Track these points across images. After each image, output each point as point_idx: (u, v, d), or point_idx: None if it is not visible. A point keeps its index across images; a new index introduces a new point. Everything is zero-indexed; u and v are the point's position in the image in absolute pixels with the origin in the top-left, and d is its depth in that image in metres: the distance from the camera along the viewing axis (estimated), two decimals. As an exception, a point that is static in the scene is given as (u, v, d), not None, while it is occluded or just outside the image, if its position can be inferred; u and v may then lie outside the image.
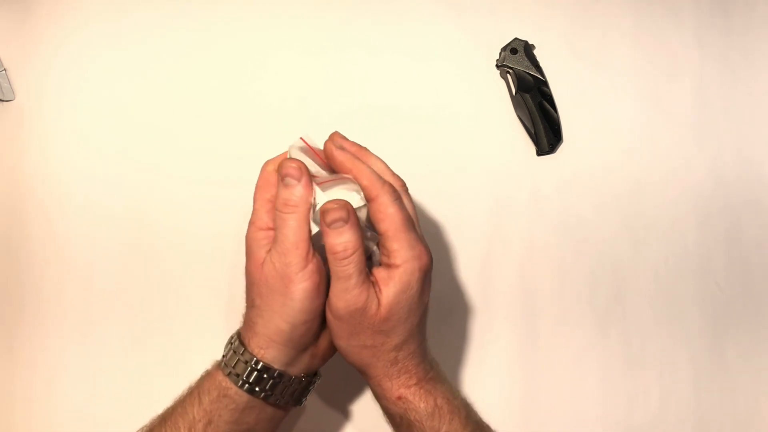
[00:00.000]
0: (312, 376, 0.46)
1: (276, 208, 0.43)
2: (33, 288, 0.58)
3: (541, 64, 0.61)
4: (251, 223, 0.45)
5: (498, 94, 0.61)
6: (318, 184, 0.43)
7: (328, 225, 0.41)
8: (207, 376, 0.45)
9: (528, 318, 0.58)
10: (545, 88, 0.60)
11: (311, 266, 0.42)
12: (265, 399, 0.44)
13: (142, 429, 0.46)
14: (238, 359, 0.43)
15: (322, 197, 0.43)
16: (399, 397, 0.44)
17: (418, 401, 0.44)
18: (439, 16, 0.62)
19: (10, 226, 0.58)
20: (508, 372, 0.58)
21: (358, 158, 0.44)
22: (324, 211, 0.41)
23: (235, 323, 0.47)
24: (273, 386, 0.44)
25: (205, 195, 0.59)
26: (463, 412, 0.45)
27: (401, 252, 0.42)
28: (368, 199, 0.43)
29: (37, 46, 0.60)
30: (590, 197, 0.60)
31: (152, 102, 0.60)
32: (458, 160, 0.60)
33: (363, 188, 0.43)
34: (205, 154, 0.60)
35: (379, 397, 0.45)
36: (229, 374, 0.44)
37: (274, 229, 0.43)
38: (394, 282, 0.42)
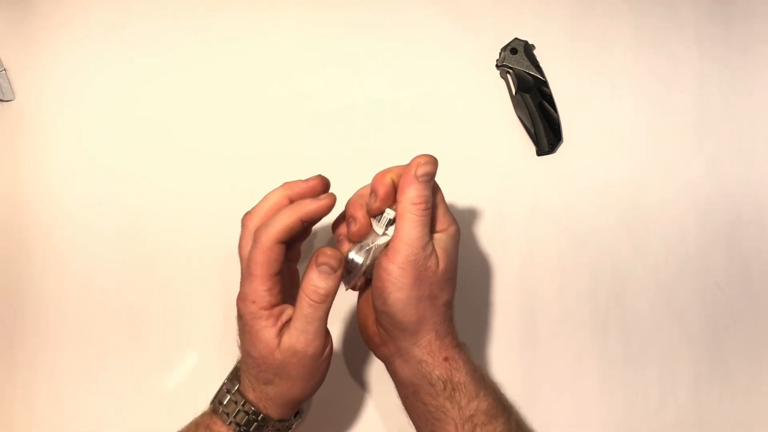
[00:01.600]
0: (299, 412, 0.49)
1: (304, 291, 0.42)
2: (33, 288, 0.58)
3: (541, 64, 0.61)
4: (249, 300, 0.43)
5: (498, 94, 0.61)
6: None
7: (317, 266, 0.42)
8: (206, 427, 0.45)
9: (528, 318, 0.58)
10: (545, 88, 0.60)
11: (329, 348, 0.44)
12: None
13: None
14: (238, 408, 0.44)
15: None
16: (446, 358, 0.45)
17: (463, 363, 0.45)
18: (440, 16, 0.62)
19: (10, 226, 0.58)
20: (508, 372, 0.58)
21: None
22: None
23: (231, 328, 0.46)
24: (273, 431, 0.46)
25: (205, 193, 0.59)
26: (491, 381, 0.47)
27: (449, 214, 0.46)
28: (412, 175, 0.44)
29: (37, 46, 0.61)
30: (590, 197, 0.60)
31: (152, 101, 0.60)
32: (458, 160, 0.60)
33: (402, 171, 0.45)
34: (205, 152, 0.60)
35: (420, 364, 0.45)
36: (229, 422, 0.44)
37: (276, 305, 0.43)
38: (447, 239, 0.45)
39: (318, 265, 0.42)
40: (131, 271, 0.58)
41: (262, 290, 0.42)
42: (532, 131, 0.60)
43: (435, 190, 0.46)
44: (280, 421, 0.46)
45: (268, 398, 0.44)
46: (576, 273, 0.59)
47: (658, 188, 0.60)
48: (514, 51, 0.60)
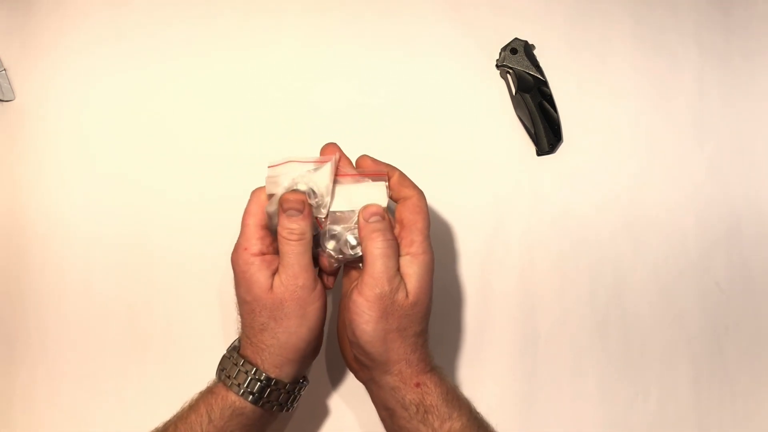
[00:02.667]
0: (305, 379, 0.50)
1: (281, 235, 0.45)
2: (33, 288, 0.57)
3: (541, 64, 0.61)
4: (242, 248, 0.46)
5: (498, 94, 0.61)
6: (341, 176, 0.47)
7: (284, 211, 0.45)
8: (213, 395, 0.46)
9: (528, 318, 0.58)
10: (545, 88, 0.60)
11: (319, 287, 0.46)
12: (279, 410, 0.47)
13: None
14: (251, 379, 0.45)
15: (343, 191, 0.47)
16: (418, 384, 0.45)
17: (434, 386, 0.46)
18: (440, 15, 0.62)
19: (10, 226, 0.58)
20: (508, 372, 0.58)
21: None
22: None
23: (230, 329, 0.46)
24: (286, 398, 0.47)
25: (205, 194, 0.59)
26: (465, 401, 0.47)
27: (425, 243, 0.46)
28: (406, 196, 0.47)
29: (37, 46, 0.60)
30: (590, 197, 0.60)
31: (152, 101, 0.60)
32: (458, 160, 0.60)
33: (402, 186, 0.47)
34: (205, 152, 0.60)
35: (393, 390, 0.46)
36: (242, 393, 0.45)
37: (267, 254, 0.46)
38: (419, 269, 0.45)
39: (285, 211, 0.45)
40: (131, 272, 0.58)
41: (253, 238, 0.46)
42: (532, 131, 0.60)
43: (424, 213, 0.47)
44: (282, 383, 0.46)
45: (265, 351, 0.45)
46: (576, 273, 0.59)
47: (658, 188, 0.60)
48: (514, 51, 0.60)
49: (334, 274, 0.49)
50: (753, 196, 0.61)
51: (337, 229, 0.47)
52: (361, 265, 0.46)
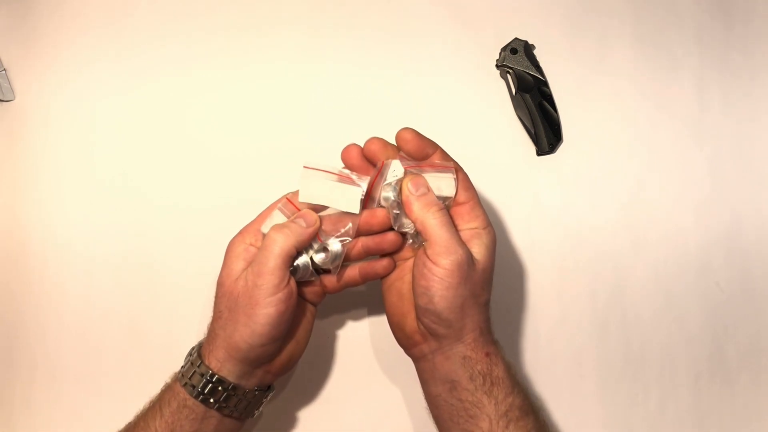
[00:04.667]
0: (265, 390, 0.48)
1: (270, 232, 0.44)
2: (33, 288, 0.58)
3: (541, 64, 0.61)
4: (240, 232, 0.47)
5: (498, 94, 0.61)
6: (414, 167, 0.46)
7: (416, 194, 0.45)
8: (167, 388, 0.47)
9: (528, 318, 0.58)
10: (545, 88, 0.60)
11: (281, 295, 0.44)
12: (219, 410, 0.45)
13: None
14: (195, 371, 0.45)
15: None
16: (487, 353, 0.46)
17: (500, 359, 0.46)
18: (439, 16, 0.62)
19: (10, 226, 0.58)
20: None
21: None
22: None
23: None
24: (227, 398, 0.45)
25: (205, 194, 0.59)
26: (521, 379, 0.48)
27: (484, 216, 0.47)
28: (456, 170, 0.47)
29: (37, 46, 0.61)
30: (590, 197, 0.60)
31: (153, 102, 0.60)
32: (458, 160, 0.60)
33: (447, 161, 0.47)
34: (205, 150, 0.60)
35: (464, 360, 0.45)
36: (185, 385, 0.45)
37: (255, 246, 0.45)
38: (484, 240, 0.46)
39: (296, 218, 0.45)
40: (132, 272, 0.58)
41: (254, 229, 0.46)
42: (532, 131, 0.60)
43: (473, 188, 0.47)
44: (225, 382, 0.45)
45: (215, 342, 0.45)
46: (576, 273, 0.59)
47: (658, 188, 0.60)
48: (514, 51, 0.60)
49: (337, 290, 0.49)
50: (753, 196, 0.61)
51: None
52: (413, 240, 0.46)
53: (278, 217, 0.46)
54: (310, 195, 0.45)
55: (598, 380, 0.58)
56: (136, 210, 0.59)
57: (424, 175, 0.46)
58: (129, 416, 0.48)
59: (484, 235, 0.46)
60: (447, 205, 0.46)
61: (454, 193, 0.46)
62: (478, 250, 0.46)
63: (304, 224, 0.45)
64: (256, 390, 0.47)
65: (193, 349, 0.47)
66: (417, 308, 0.46)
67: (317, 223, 0.45)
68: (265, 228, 0.45)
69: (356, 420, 0.56)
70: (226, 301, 0.45)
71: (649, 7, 0.63)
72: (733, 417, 0.58)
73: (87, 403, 0.56)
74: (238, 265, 0.45)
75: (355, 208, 0.45)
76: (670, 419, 0.58)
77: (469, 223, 0.47)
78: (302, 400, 0.57)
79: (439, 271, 0.44)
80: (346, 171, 0.46)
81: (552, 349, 0.58)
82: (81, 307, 0.57)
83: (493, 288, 0.58)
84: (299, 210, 0.46)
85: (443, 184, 0.46)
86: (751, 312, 0.59)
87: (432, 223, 0.44)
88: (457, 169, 0.48)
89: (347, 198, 0.45)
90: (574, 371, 0.58)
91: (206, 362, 0.45)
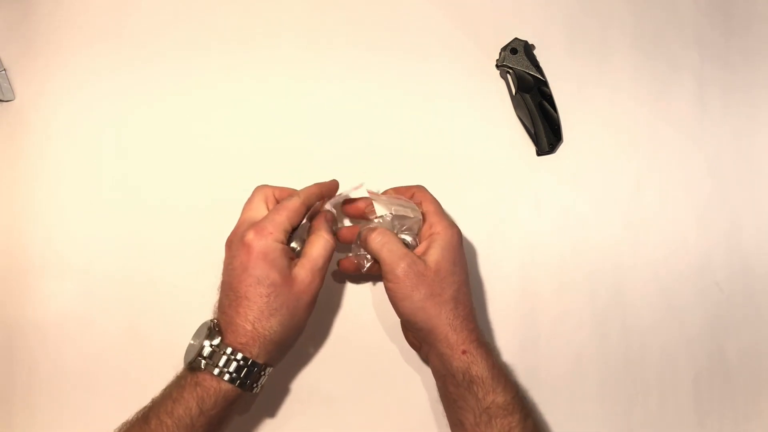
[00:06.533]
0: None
1: (317, 233, 0.50)
2: (33, 288, 0.58)
3: (541, 64, 0.61)
4: (267, 231, 0.48)
5: (498, 94, 0.61)
6: (378, 197, 0.53)
7: (326, 221, 0.52)
8: (200, 387, 0.46)
9: (528, 318, 0.58)
10: (545, 88, 0.60)
11: (316, 292, 0.50)
12: (249, 390, 0.48)
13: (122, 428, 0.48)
14: (228, 358, 0.47)
15: (381, 210, 0.53)
16: (464, 351, 0.48)
17: (481, 357, 0.48)
18: (439, 16, 0.62)
19: (9, 225, 0.58)
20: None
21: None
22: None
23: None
24: (257, 378, 0.48)
25: (205, 193, 0.59)
26: (513, 381, 0.50)
27: (442, 222, 0.51)
28: (412, 192, 0.53)
29: (37, 46, 0.61)
30: (590, 197, 0.60)
31: (153, 100, 0.60)
32: (458, 161, 0.60)
33: (402, 190, 0.53)
34: (204, 146, 0.60)
35: (442, 356, 0.49)
36: (219, 374, 0.46)
37: (284, 243, 0.49)
38: (438, 242, 0.50)
39: (327, 221, 0.52)
40: (132, 271, 0.58)
41: (281, 228, 0.48)
42: (532, 131, 0.60)
43: (429, 199, 0.52)
44: (260, 366, 0.47)
45: (263, 336, 0.47)
46: (576, 273, 0.59)
47: (658, 188, 0.60)
48: (514, 51, 0.60)
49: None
50: (753, 196, 0.61)
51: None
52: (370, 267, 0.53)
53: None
54: (395, 209, 0.53)
55: (598, 380, 0.58)
56: (136, 210, 0.59)
57: (385, 199, 0.52)
58: (129, 416, 0.48)
59: (439, 237, 0.50)
60: (418, 220, 0.52)
61: (420, 212, 0.52)
62: (433, 252, 0.50)
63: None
64: (271, 366, 0.50)
65: (207, 338, 0.47)
66: (400, 319, 0.52)
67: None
68: (321, 227, 0.51)
69: (356, 420, 0.56)
70: (284, 299, 0.47)
71: (649, 7, 0.63)
72: (733, 417, 0.58)
73: (87, 403, 0.56)
74: (284, 264, 0.48)
75: (418, 213, 0.52)
76: (670, 419, 0.58)
77: (427, 232, 0.51)
78: (302, 400, 0.57)
79: (391, 285, 0.49)
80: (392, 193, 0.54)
81: (552, 349, 0.58)
82: (81, 307, 0.57)
83: (492, 288, 0.58)
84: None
85: (408, 208, 0.52)
86: (751, 312, 0.59)
87: (374, 250, 0.50)
88: (419, 187, 0.53)
89: (413, 207, 0.52)
90: (574, 371, 0.58)
91: (237, 348, 0.47)
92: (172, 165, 0.59)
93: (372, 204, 0.54)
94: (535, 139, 0.60)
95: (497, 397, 0.47)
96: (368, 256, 0.53)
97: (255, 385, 0.48)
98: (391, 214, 0.53)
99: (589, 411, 0.57)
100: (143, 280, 0.58)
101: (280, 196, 0.52)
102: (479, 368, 0.48)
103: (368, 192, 0.53)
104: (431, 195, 0.53)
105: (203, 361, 0.47)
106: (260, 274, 0.47)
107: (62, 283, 0.58)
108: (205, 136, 0.60)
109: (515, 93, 0.60)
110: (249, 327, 0.47)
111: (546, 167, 0.60)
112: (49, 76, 0.60)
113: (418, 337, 0.52)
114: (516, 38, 0.60)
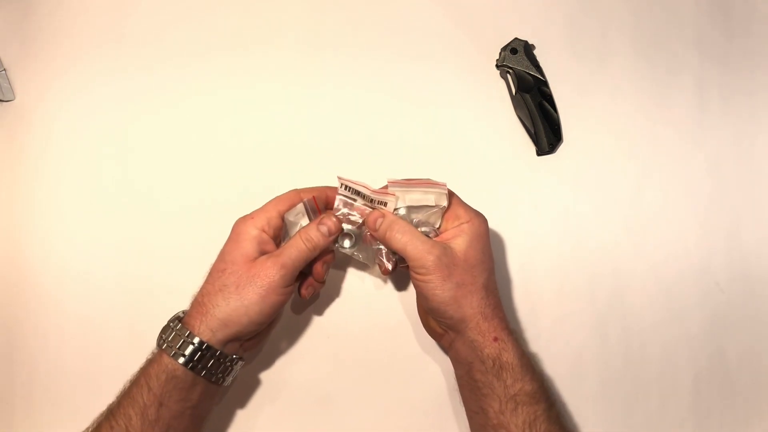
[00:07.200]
0: (240, 358, 0.51)
1: (300, 234, 0.50)
2: (33, 288, 0.58)
3: (541, 64, 0.61)
4: (251, 217, 0.50)
5: (498, 94, 0.61)
6: (399, 185, 0.51)
7: (318, 224, 0.51)
8: (151, 363, 0.48)
9: (528, 318, 0.58)
10: (545, 88, 0.60)
11: (290, 288, 0.50)
12: (206, 377, 0.48)
13: (87, 429, 0.48)
14: (184, 341, 0.47)
15: (393, 204, 0.51)
16: (496, 338, 0.49)
17: (512, 345, 0.49)
18: (439, 16, 0.62)
19: (9, 225, 0.58)
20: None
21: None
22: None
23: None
24: (214, 365, 0.48)
25: (205, 192, 0.59)
26: (539, 372, 0.50)
27: (467, 213, 0.51)
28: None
29: (37, 46, 0.61)
30: (590, 197, 0.60)
31: (153, 101, 0.60)
32: (458, 160, 0.60)
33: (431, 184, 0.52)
34: (204, 147, 0.60)
35: (473, 343, 0.49)
36: (173, 355, 0.47)
37: (266, 234, 0.50)
38: (466, 232, 0.50)
39: (319, 224, 0.50)
40: (132, 270, 0.58)
41: (266, 217, 0.50)
42: (532, 131, 0.60)
43: (452, 195, 0.52)
44: (213, 349, 0.48)
45: (208, 314, 0.48)
46: (576, 273, 0.59)
47: (658, 188, 0.60)
48: (514, 51, 0.60)
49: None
50: (753, 197, 0.61)
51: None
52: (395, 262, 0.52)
53: (302, 212, 0.51)
54: (410, 200, 0.51)
55: (598, 380, 0.58)
56: (136, 210, 0.59)
57: (413, 190, 0.51)
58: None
59: (466, 227, 0.50)
60: (441, 209, 0.51)
61: (445, 203, 0.51)
62: (460, 242, 0.49)
63: (326, 232, 0.50)
64: (234, 357, 0.50)
65: (172, 322, 0.49)
66: (427, 310, 0.52)
67: (337, 233, 0.51)
68: (291, 216, 0.51)
69: (357, 420, 0.56)
70: (236, 278, 0.48)
71: (649, 7, 0.63)
72: (733, 417, 0.58)
73: (87, 403, 0.56)
74: (252, 247, 0.49)
75: (445, 201, 0.51)
76: (670, 419, 0.58)
77: (454, 222, 0.51)
78: (302, 399, 0.57)
79: (421, 278, 0.49)
80: (425, 180, 0.52)
81: (552, 349, 0.58)
82: (81, 307, 0.57)
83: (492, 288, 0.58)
84: (319, 210, 0.52)
85: (434, 196, 0.51)
86: (751, 312, 0.59)
87: (397, 246, 0.50)
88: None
89: (438, 193, 0.51)
90: (574, 371, 0.58)
91: (195, 332, 0.47)
92: (172, 165, 0.59)
93: (346, 201, 0.52)
94: (535, 139, 0.60)
95: (525, 385, 0.48)
96: (388, 255, 0.52)
97: (198, 364, 0.47)
98: (406, 207, 0.51)
99: (589, 411, 0.57)
100: (143, 280, 0.58)
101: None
102: (510, 355, 0.48)
103: (389, 181, 0.51)
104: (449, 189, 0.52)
105: (160, 338, 0.49)
106: (224, 251, 0.50)
107: (62, 284, 0.58)
108: (205, 137, 0.60)
109: (515, 93, 0.61)
110: (200, 299, 0.49)
111: (546, 167, 0.60)
112: (49, 76, 0.60)
113: (445, 325, 0.51)
114: (516, 38, 0.60)
